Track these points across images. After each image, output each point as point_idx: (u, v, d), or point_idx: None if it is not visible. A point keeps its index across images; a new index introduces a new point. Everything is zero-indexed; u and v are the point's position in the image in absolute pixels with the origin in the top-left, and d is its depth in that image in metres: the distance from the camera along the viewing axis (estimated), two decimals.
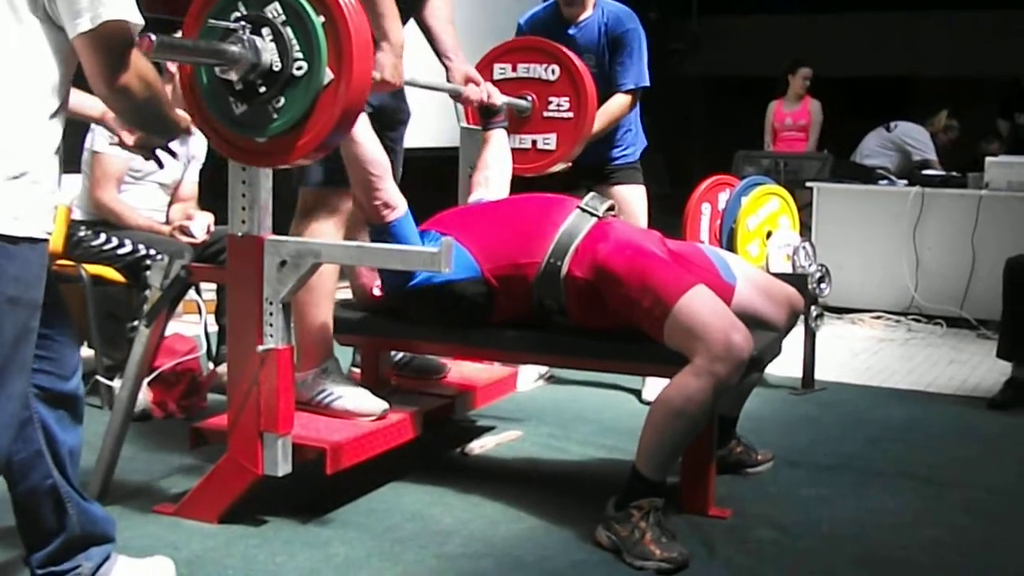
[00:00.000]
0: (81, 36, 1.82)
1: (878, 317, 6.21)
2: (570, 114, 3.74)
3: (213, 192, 3.61)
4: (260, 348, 2.64)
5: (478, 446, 3.53)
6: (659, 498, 2.70)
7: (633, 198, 4.26)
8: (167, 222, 4.19)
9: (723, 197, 4.54)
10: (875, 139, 7.37)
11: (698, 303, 2.68)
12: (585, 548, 2.72)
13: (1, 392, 1.89)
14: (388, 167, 2.85)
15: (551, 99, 3.75)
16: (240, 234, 2.67)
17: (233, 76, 2.33)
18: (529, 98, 3.75)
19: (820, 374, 4.57)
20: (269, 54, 2.32)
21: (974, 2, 10.55)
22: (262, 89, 2.34)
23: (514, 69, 3.81)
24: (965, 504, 3.15)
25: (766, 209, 4.49)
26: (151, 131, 2.29)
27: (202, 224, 4.01)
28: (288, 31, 2.32)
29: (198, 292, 4.14)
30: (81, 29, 1.82)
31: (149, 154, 2.50)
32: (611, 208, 3.05)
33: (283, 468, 2.70)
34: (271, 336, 2.64)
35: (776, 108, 8.04)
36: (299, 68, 2.32)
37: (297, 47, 2.32)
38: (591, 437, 3.70)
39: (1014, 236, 5.63)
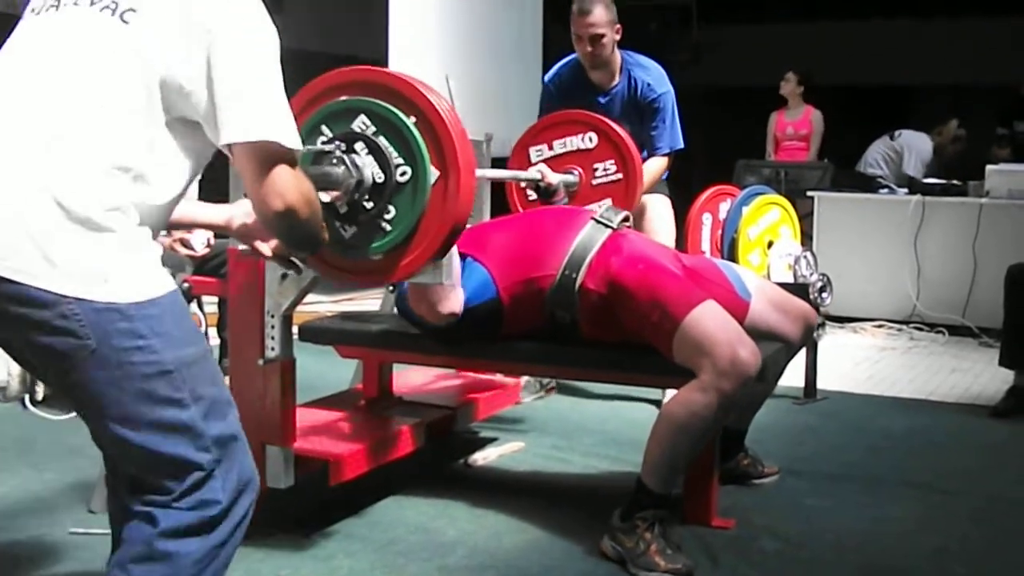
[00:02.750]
0: (239, 146, 1.71)
1: (880, 326, 6.22)
2: (619, 175, 3.68)
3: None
4: (262, 361, 2.65)
5: (481, 457, 3.53)
6: (664, 510, 2.70)
7: (657, 207, 4.24)
8: (168, 234, 4.18)
9: (724, 207, 4.54)
10: (879, 148, 7.37)
11: (707, 318, 2.66)
12: (589, 559, 2.72)
13: (228, 417, 1.81)
14: (460, 273, 2.78)
15: (596, 166, 3.70)
16: (241, 247, 2.67)
17: (340, 200, 2.26)
18: (576, 172, 3.69)
19: (822, 383, 4.56)
20: (369, 168, 2.26)
21: (977, 10, 10.56)
22: (368, 205, 2.28)
23: (551, 147, 3.75)
24: (969, 513, 3.15)
25: (767, 219, 4.48)
26: (299, 247, 2.12)
27: (202, 238, 4.00)
28: (382, 140, 2.26)
29: (200, 305, 4.14)
30: (228, 140, 1.70)
31: (287, 263, 2.34)
32: (626, 219, 3.05)
33: (286, 480, 2.70)
34: (273, 349, 2.64)
35: (777, 118, 8.05)
36: (403, 174, 2.27)
37: (396, 153, 2.26)
38: (594, 448, 3.70)
39: (1015, 244, 5.64)
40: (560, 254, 2.87)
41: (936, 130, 7.45)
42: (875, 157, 7.35)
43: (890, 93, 11.02)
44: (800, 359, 4.33)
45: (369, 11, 5.92)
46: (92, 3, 1.76)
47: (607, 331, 2.86)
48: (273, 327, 2.64)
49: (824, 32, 11.26)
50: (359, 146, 2.27)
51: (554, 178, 3.55)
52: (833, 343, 5.62)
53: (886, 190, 6.64)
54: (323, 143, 2.28)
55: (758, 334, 2.81)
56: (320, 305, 5.85)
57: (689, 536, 2.83)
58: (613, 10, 4.10)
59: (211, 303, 4.30)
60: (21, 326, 1.66)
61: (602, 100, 4.12)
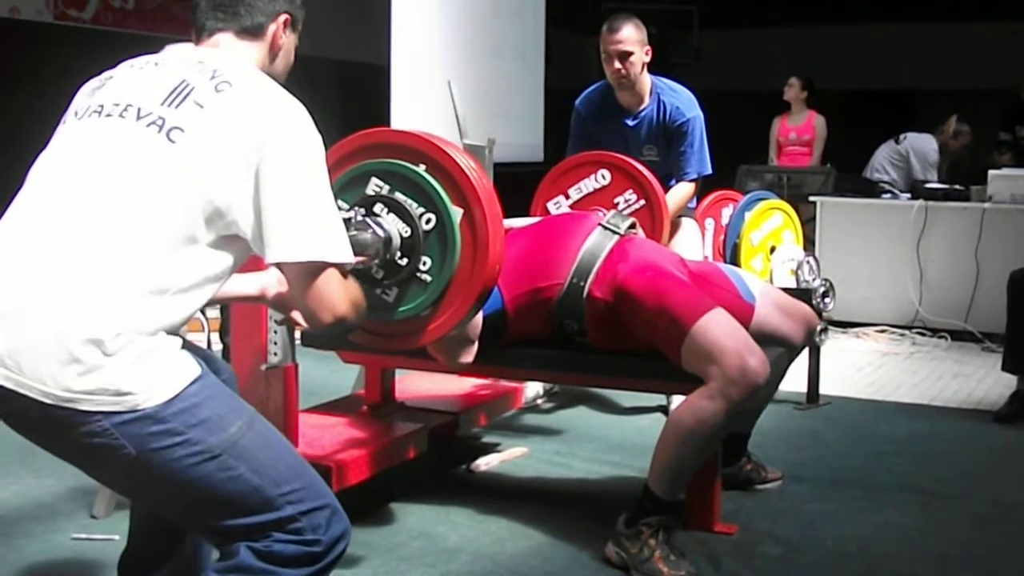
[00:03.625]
0: (286, 265, 1.72)
1: (882, 331, 6.21)
2: (641, 202, 3.69)
3: None
4: (264, 366, 2.65)
5: (483, 463, 3.53)
6: (669, 516, 2.70)
7: (683, 227, 4.19)
8: None
9: (726, 212, 4.55)
10: (885, 152, 7.36)
11: (715, 326, 2.66)
12: (592, 564, 2.72)
13: (297, 470, 1.79)
14: (480, 327, 2.80)
15: (616, 200, 3.70)
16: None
17: (372, 264, 2.28)
18: (600, 212, 3.70)
19: (825, 388, 4.56)
20: (394, 226, 2.28)
21: (978, 14, 10.57)
22: (403, 262, 2.30)
23: (567, 196, 3.76)
24: (971, 518, 3.15)
25: (769, 224, 4.50)
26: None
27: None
28: (399, 195, 2.29)
29: (202, 311, 4.14)
30: (276, 259, 1.71)
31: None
32: (632, 226, 3.04)
33: None
34: (275, 354, 2.65)
35: (780, 123, 8.05)
36: (428, 221, 2.29)
37: (415, 204, 2.28)
38: (596, 454, 3.70)
39: (1017, 249, 5.64)
40: (568, 262, 2.87)
41: (938, 130, 7.45)
42: (881, 162, 7.33)
43: (892, 98, 11.02)
44: (803, 364, 4.34)
45: (371, 17, 5.92)
46: (139, 118, 1.72)
47: (614, 339, 2.85)
48: (275, 332, 2.64)
49: (826, 37, 11.28)
50: (378, 208, 2.29)
51: None
52: (836, 348, 5.62)
53: (889, 195, 6.64)
54: (343, 216, 2.28)
55: (762, 337, 2.81)
56: None
57: (691, 541, 2.83)
58: (644, 31, 4.03)
59: (213, 307, 4.30)
60: (64, 444, 1.67)
61: (630, 123, 4.07)
